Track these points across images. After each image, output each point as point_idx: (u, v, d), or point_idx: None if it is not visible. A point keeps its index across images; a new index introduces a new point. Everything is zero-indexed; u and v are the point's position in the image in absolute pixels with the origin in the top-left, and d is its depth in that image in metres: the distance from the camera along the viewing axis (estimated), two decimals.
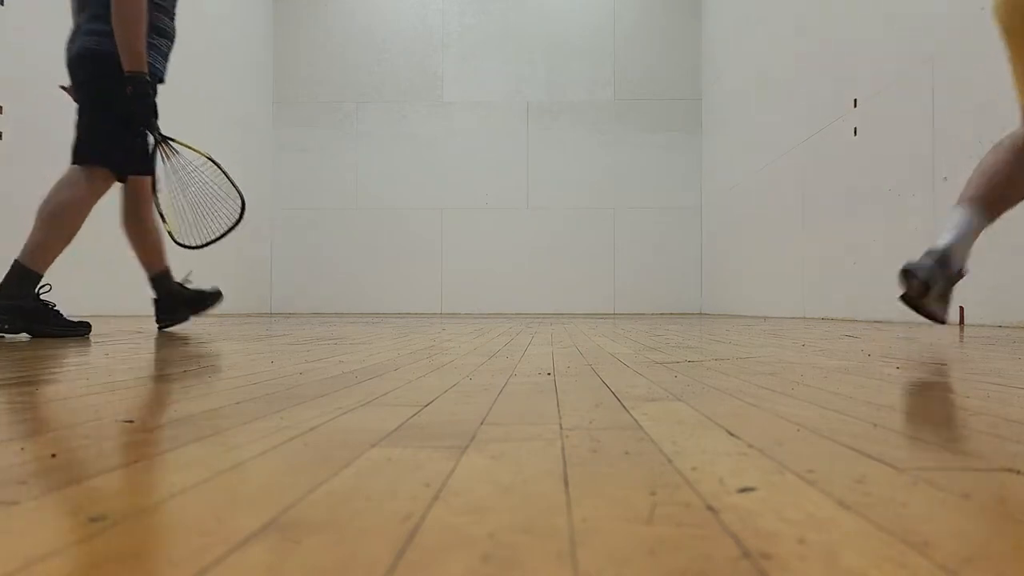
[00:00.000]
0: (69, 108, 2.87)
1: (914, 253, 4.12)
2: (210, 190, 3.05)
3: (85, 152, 2.73)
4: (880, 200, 4.53)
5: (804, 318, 5.67)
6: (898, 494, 0.45)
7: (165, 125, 3.19)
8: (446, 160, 9.40)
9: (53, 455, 0.56)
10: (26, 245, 2.61)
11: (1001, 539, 0.36)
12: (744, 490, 0.46)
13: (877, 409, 0.80)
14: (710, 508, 0.41)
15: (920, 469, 0.51)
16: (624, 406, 0.83)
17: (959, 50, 3.76)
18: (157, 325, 3.17)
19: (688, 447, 0.59)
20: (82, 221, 2.70)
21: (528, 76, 9.43)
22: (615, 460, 0.55)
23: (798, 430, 0.67)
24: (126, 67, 2.68)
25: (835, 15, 5.25)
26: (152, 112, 2.78)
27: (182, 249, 3.07)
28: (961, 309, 3.70)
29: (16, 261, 2.58)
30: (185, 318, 3.19)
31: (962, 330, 3.11)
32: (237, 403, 0.86)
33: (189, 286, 3.18)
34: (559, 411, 0.80)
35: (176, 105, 7.15)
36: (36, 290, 2.58)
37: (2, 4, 4.96)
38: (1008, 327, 3.25)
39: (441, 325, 4.19)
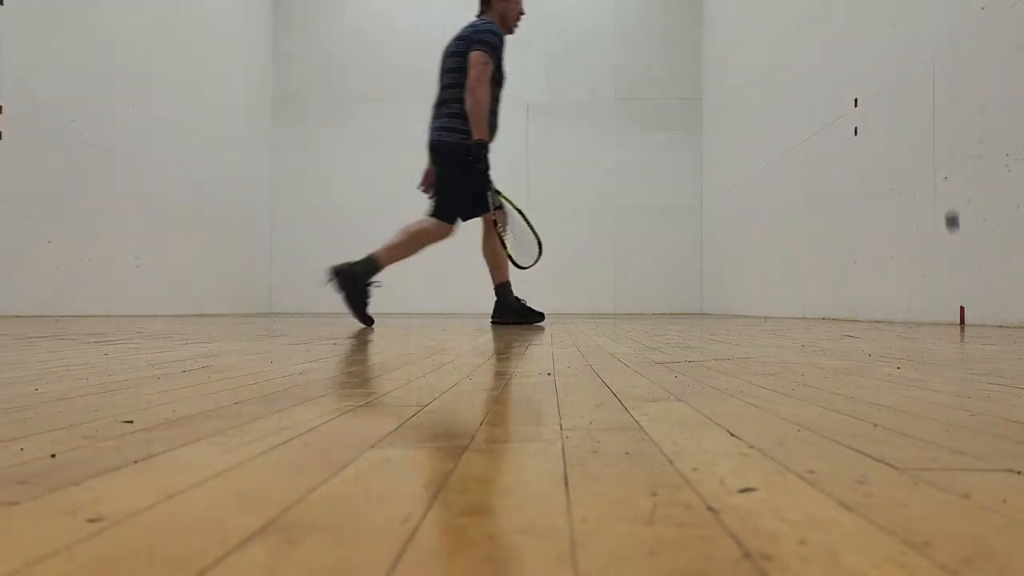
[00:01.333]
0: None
1: (915, 253, 4.14)
2: (522, 230, 4.21)
3: (438, 212, 4.10)
4: (880, 199, 4.53)
5: (804, 318, 5.67)
6: (899, 494, 0.45)
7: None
8: None
9: (53, 455, 0.56)
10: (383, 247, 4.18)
11: (1001, 539, 0.36)
12: (745, 490, 0.45)
13: (878, 409, 0.80)
14: (711, 509, 0.41)
15: (920, 469, 0.51)
16: (624, 406, 0.83)
17: (959, 50, 3.76)
18: (491, 321, 4.32)
19: (689, 447, 0.59)
20: (418, 249, 4.17)
21: (528, 76, 9.42)
22: (615, 460, 0.55)
23: (799, 430, 0.67)
24: (474, 137, 3.98)
25: (835, 15, 5.25)
26: (486, 168, 4.02)
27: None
28: (962, 309, 3.70)
29: (370, 255, 4.23)
30: (509, 322, 4.23)
31: (962, 330, 3.11)
32: (237, 403, 0.86)
33: (522, 301, 4.34)
34: (559, 411, 0.80)
35: (176, 104, 7.16)
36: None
37: (1, 4, 4.96)
38: (1008, 327, 3.25)
39: (441, 325, 4.19)
